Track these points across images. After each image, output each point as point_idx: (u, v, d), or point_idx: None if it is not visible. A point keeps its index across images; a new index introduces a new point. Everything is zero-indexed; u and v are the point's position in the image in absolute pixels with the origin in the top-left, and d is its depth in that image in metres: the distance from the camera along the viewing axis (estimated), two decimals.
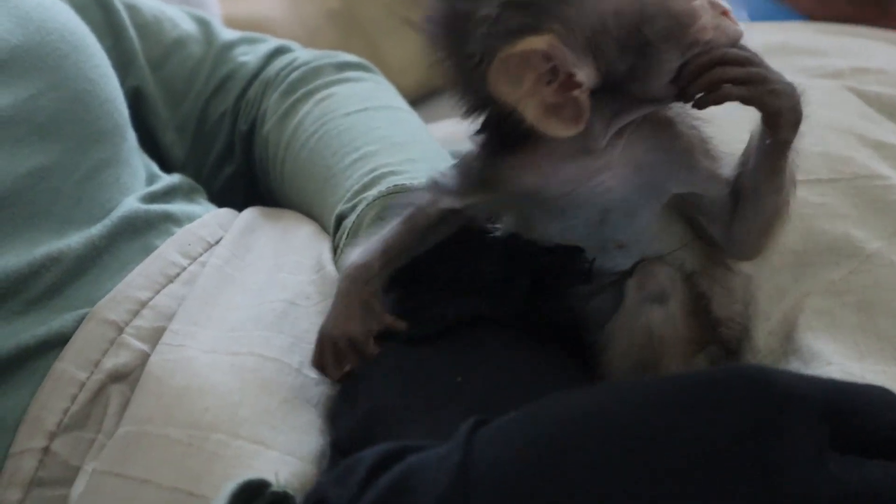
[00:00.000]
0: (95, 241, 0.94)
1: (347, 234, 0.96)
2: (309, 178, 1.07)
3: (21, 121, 0.94)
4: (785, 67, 1.03)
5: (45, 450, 0.86)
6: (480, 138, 0.85)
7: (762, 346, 0.94)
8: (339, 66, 1.16)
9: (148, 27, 1.14)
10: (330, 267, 0.97)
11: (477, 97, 0.83)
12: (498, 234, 0.88)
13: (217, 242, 0.99)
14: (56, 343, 0.88)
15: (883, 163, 1.04)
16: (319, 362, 0.87)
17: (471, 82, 0.82)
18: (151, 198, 1.00)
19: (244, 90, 1.16)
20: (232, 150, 1.16)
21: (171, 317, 0.91)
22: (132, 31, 1.12)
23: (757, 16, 1.34)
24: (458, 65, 0.82)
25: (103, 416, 0.87)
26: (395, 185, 0.96)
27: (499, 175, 0.84)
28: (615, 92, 0.80)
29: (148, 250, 0.95)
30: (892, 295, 0.96)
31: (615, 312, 0.84)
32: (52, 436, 0.86)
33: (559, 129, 0.79)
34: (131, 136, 1.05)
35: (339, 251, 0.97)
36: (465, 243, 0.89)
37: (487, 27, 0.79)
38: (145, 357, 0.89)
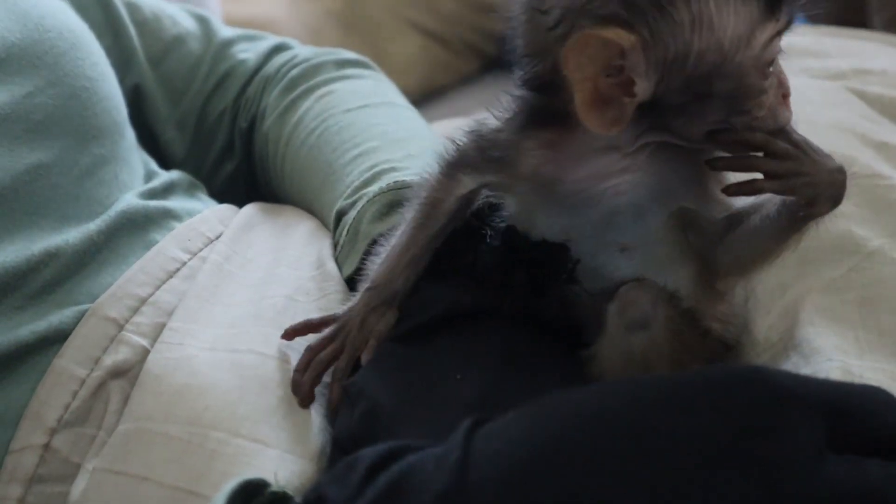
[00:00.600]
0: (94, 236, 0.94)
1: (348, 231, 0.96)
2: (309, 174, 1.07)
3: (19, 118, 0.94)
4: (788, 69, 1.03)
5: (46, 446, 0.86)
6: (511, 109, 0.84)
7: (762, 340, 0.93)
8: (340, 63, 1.16)
9: (147, 24, 1.14)
10: (330, 263, 0.97)
11: (537, 56, 0.82)
12: (499, 223, 0.87)
13: (217, 238, 0.99)
14: (56, 339, 0.88)
15: (885, 163, 1.04)
16: (297, 380, 0.87)
17: (538, 41, 0.81)
18: (150, 194, 1.00)
19: (244, 87, 1.16)
20: (232, 146, 1.16)
21: (171, 313, 0.91)
22: (132, 29, 1.13)
23: None
24: (533, 20, 0.81)
25: (104, 412, 0.87)
26: (396, 181, 0.96)
27: (519, 155, 0.84)
28: (658, 115, 0.80)
29: (148, 246, 0.95)
30: (893, 292, 0.96)
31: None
32: (53, 432, 0.86)
33: (597, 124, 0.79)
34: (130, 134, 1.05)
35: (339, 247, 0.97)
36: (466, 233, 0.89)
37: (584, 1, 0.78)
38: (145, 353, 0.89)
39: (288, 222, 1.04)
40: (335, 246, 0.98)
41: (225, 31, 1.19)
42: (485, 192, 0.87)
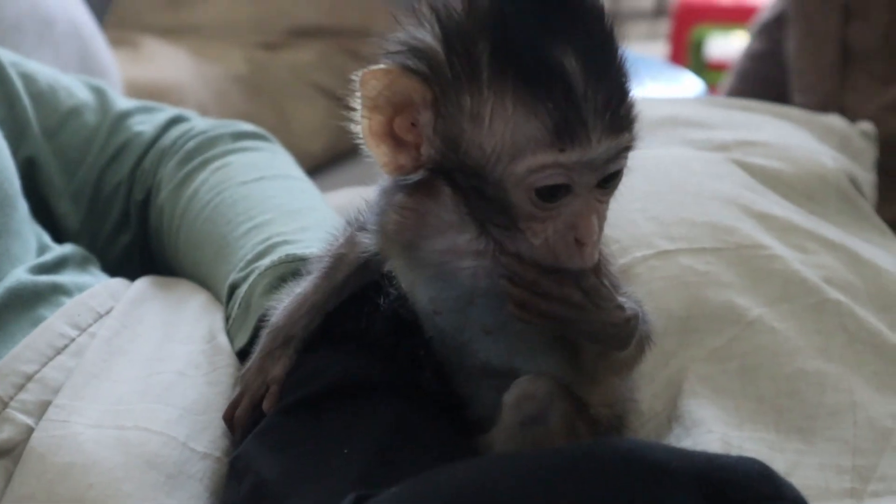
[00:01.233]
0: None
1: (240, 304, 0.96)
2: (203, 246, 1.07)
3: None
4: (673, 139, 1.05)
5: None
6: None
7: (646, 410, 0.95)
8: (236, 135, 1.16)
9: (42, 96, 1.14)
10: (221, 336, 0.97)
11: None
12: (394, 288, 0.87)
13: (107, 313, 0.98)
14: None
15: (766, 233, 1.07)
16: (228, 415, 0.89)
17: None
18: (41, 269, 1.00)
19: (140, 159, 1.15)
20: (128, 219, 1.16)
21: (57, 389, 0.91)
22: (26, 101, 1.12)
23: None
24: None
25: None
26: (288, 255, 0.97)
27: (384, 218, 0.84)
28: (484, 204, 0.79)
29: (36, 322, 0.95)
30: (772, 360, 0.98)
31: (494, 418, 0.83)
32: None
33: (383, 160, 0.80)
34: (22, 206, 1.04)
35: (231, 320, 0.97)
36: (360, 299, 0.90)
37: (408, 34, 0.79)
38: (30, 431, 0.88)
39: (181, 296, 1.04)
40: (227, 319, 0.99)
41: (122, 103, 1.19)
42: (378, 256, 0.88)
